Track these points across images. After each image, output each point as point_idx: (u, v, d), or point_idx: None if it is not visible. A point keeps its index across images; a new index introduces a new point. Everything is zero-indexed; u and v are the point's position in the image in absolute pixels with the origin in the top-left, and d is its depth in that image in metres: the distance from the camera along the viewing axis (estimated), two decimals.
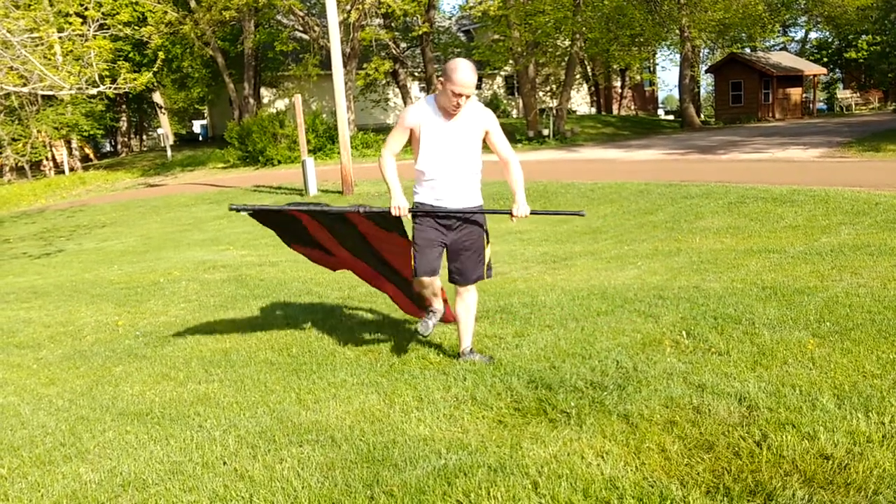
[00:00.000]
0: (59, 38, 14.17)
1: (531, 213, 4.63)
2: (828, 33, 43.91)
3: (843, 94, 42.40)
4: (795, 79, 37.17)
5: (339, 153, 18.90)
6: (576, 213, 5.28)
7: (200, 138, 42.42)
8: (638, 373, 4.13)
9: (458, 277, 4.62)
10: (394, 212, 4.42)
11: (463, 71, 4.20)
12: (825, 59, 43.83)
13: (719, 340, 4.62)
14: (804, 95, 39.02)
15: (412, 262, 4.50)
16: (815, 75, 39.47)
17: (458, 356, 4.74)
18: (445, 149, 4.39)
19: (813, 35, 46.06)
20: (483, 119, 4.47)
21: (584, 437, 3.38)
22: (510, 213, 4.56)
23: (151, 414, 4.32)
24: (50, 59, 13.65)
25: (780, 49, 43.78)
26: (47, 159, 33.18)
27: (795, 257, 7.13)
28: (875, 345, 4.27)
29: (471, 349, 4.79)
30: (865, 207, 9.44)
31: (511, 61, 30.65)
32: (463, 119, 4.41)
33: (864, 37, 36.05)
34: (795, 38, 47.47)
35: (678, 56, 36.50)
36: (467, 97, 4.27)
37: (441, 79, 4.30)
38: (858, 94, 42.15)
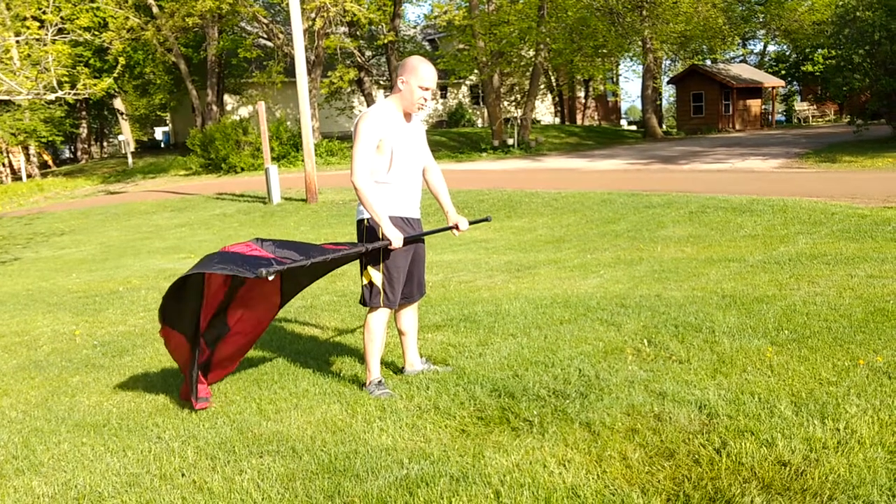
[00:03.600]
0: (16, 41, 13.92)
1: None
2: (785, 47, 44.83)
3: (801, 107, 43.31)
4: (755, 91, 37.89)
5: (303, 161, 18.80)
6: (483, 219, 5.09)
7: (162, 145, 41.94)
8: (600, 381, 4.15)
9: (417, 290, 4.51)
10: (396, 243, 4.06)
11: (427, 64, 4.14)
12: (783, 72, 44.74)
13: (680, 348, 4.67)
14: (763, 107, 39.79)
15: (383, 294, 4.22)
16: (773, 87, 40.27)
17: (403, 371, 4.70)
18: (413, 156, 4.28)
19: (771, 48, 47.09)
20: (420, 122, 4.46)
21: (546, 446, 3.38)
22: (455, 228, 4.49)
23: (108, 425, 4.23)
24: (6, 64, 13.40)
25: (740, 61, 44.60)
26: (4, 165, 32.55)
27: (754, 266, 7.24)
28: (831, 352, 4.35)
29: (426, 358, 4.82)
30: (822, 217, 9.63)
31: (476, 71, 30.83)
32: (416, 122, 4.36)
33: (819, 51, 36.88)
34: (754, 51, 48.46)
35: (641, 67, 37.04)
36: (433, 93, 4.23)
37: (403, 78, 4.14)
38: (815, 107, 43.07)
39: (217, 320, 4.56)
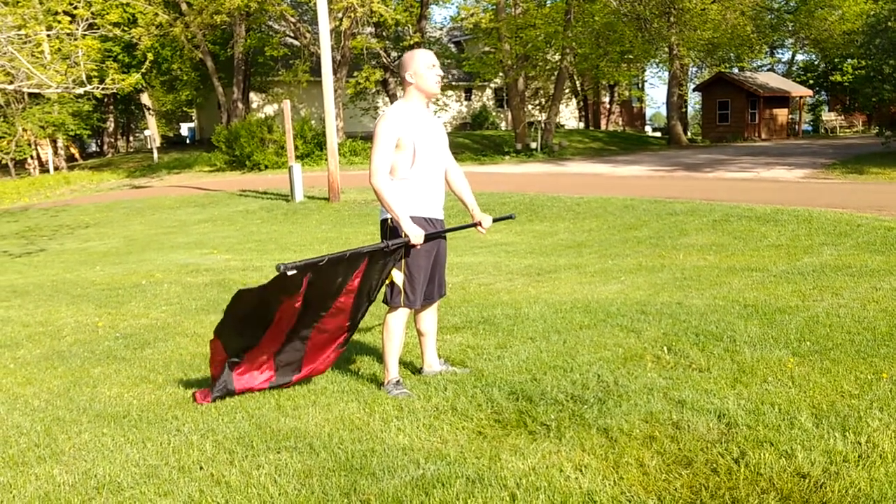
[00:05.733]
0: (48, 36, 14.08)
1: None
2: (814, 56, 44.38)
3: (829, 117, 42.83)
4: (782, 100, 37.55)
5: (326, 160, 18.88)
6: (507, 216, 5.11)
7: (188, 141, 42.27)
8: (619, 387, 4.14)
9: (438, 291, 4.49)
10: (415, 240, 4.06)
11: (421, 48, 4.20)
12: (811, 82, 44.29)
13: (700, 357, 4.64)
14: (790, 116, 39.42)
15: (403, 293, 4.22)
16: (801, 97, 39.88)
17: (421, 371, 4.71)
18: (435, 153, 4.28)
19: (799, 57, 46.62)
20: (442, 125, 4.46)
21: (563, 450, 3.38)
22: (478, 225, 4.49)
23: (129, 416, 4.28)
24: (37, 58, 13.56)
25: (768, 70, 44.23)
26: (32, 158, 32.92)
27: (778, 276, 7.17)
28: (854, 365, 4.31)
29: (444, 359, 4.82)
30: (847, 229, 9.53)
31: (501, 73, 30.82)
32: (437, 121, 4.37)
33: (849, 61, 36.51)
34: (782, 60, 48.04)
35: (667, 74, 36.83)
36: (441, 76, 4.24)
37: (409, 71, 4.15)
38: (843, 117, 42.59)
39: (294, 354, 4.49)
